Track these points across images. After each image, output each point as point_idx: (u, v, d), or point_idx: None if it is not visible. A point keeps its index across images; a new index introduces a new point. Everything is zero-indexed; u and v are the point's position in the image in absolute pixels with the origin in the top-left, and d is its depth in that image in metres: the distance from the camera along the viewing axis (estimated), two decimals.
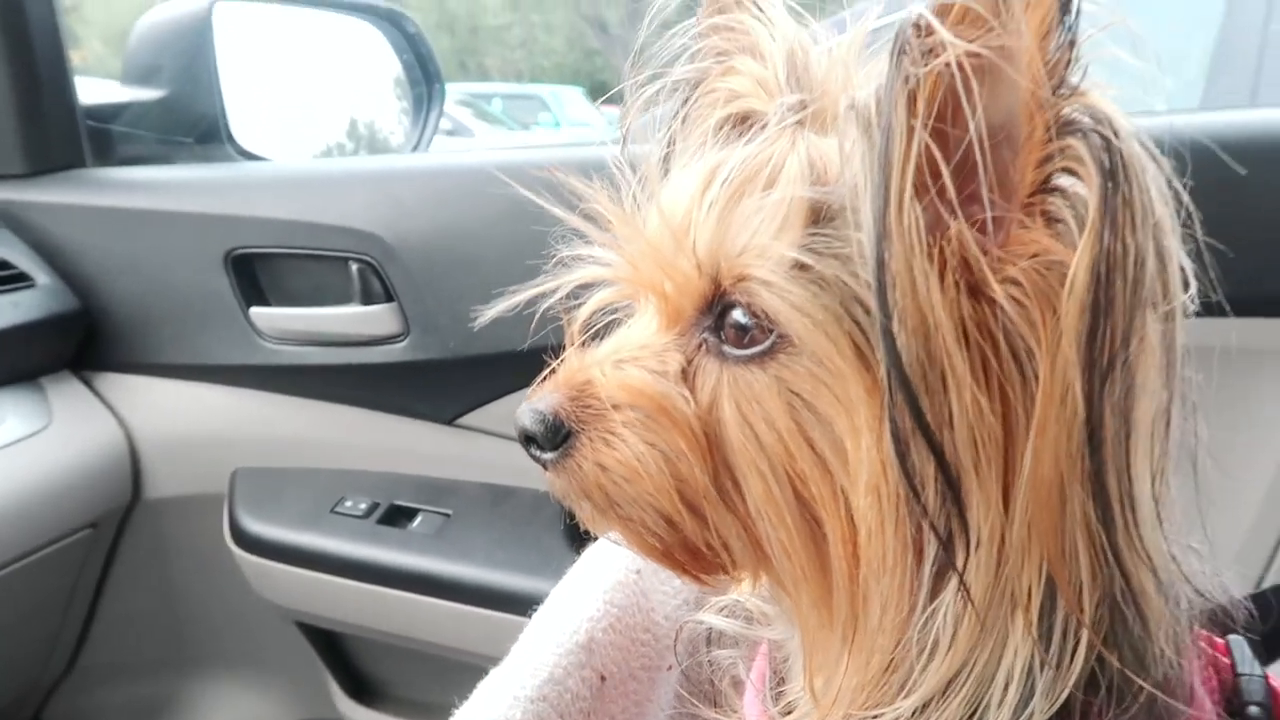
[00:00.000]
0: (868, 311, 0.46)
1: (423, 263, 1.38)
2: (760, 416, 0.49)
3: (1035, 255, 0.42)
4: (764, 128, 0.52)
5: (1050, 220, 0.42)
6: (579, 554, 1.35)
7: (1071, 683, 0.45)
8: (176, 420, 1.53)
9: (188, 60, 1.59)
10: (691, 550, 0.55)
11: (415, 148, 1.80)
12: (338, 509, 1.43)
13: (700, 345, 0.52)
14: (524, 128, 9.90)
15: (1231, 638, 0.59)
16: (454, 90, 9.15)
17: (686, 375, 0.52)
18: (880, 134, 0.42)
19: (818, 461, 0.48)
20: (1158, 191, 0.41)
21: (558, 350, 0.60)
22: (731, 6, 0.59)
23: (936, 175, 0.42)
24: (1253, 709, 0.55)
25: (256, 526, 1.44)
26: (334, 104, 1.95)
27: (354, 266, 1.40)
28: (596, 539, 0.83)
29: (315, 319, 1.44)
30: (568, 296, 0.60)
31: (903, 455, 0.43)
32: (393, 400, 1.47)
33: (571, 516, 0.57)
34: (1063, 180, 0.42)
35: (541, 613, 0.76)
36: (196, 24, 1.57)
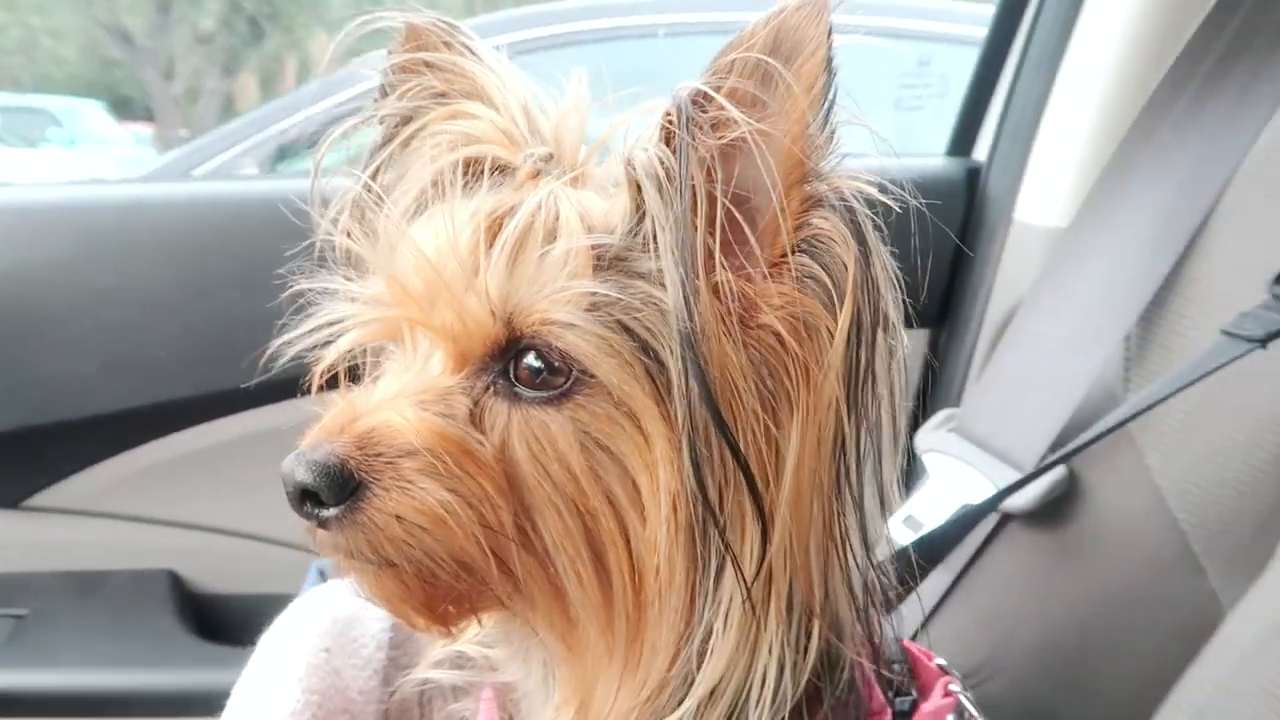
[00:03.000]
0: (655, 354, 0.49)
1: None
2: (554, 457, 0.50)
3: (786, 304, 0.49)
4: (514, 175, 0.54)
5: (801, 277, 0.49)
6: (202, 635, 1.20)
7: (809, 668, 0.52)
8: None
9: None
10: (458, 599, 0.53)
11: None
12: None
13: (489, 388, 0.51)
14: (30, 145, 8.47)
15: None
16: None
17: (474, 418, 0.51)
18: (677, 195, 0.46)
19: (606, 499, 0.50)
20: (885, 260, 0.50)
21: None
22: (437, 45, 0.58)
23: (711, 230, 0.47)
24: (896, 665, 0.67)
25: None
26: None
27: None
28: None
29: None
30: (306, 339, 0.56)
31: (700, 479, 0.47)
32: None
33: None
34: (815, 244, 0.49)
35: (228, 715, 0.67)
36: None
